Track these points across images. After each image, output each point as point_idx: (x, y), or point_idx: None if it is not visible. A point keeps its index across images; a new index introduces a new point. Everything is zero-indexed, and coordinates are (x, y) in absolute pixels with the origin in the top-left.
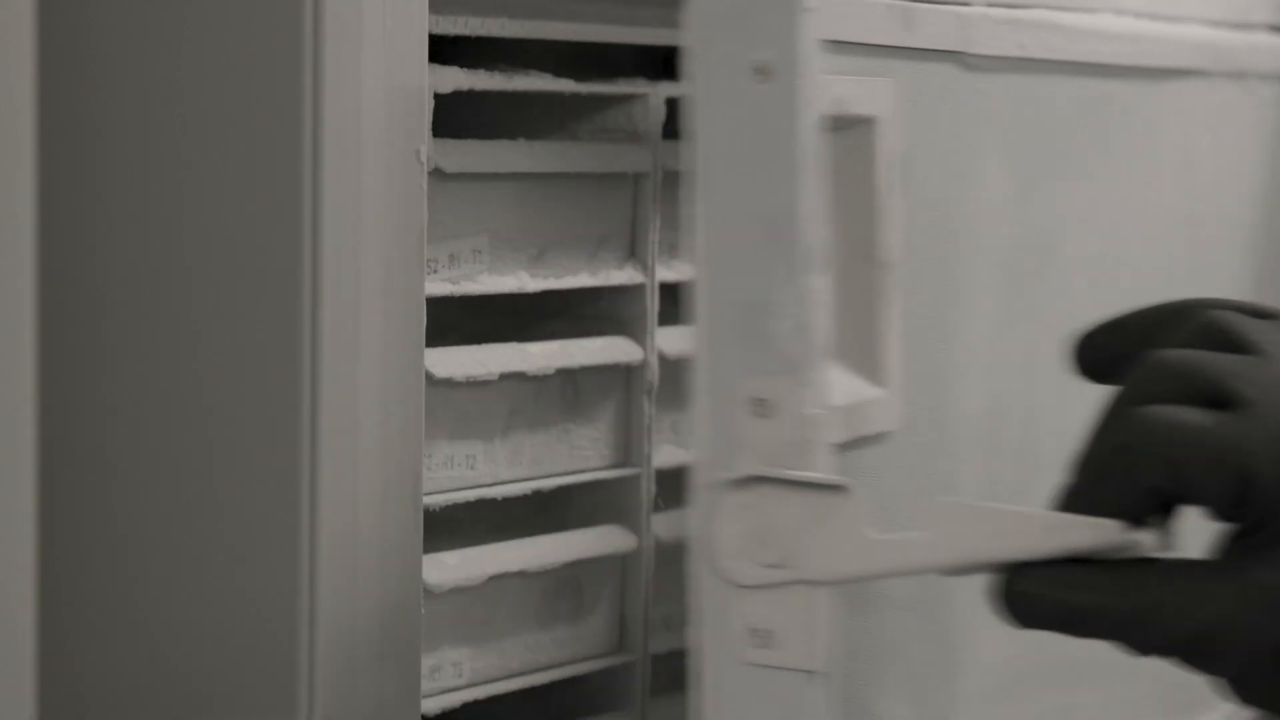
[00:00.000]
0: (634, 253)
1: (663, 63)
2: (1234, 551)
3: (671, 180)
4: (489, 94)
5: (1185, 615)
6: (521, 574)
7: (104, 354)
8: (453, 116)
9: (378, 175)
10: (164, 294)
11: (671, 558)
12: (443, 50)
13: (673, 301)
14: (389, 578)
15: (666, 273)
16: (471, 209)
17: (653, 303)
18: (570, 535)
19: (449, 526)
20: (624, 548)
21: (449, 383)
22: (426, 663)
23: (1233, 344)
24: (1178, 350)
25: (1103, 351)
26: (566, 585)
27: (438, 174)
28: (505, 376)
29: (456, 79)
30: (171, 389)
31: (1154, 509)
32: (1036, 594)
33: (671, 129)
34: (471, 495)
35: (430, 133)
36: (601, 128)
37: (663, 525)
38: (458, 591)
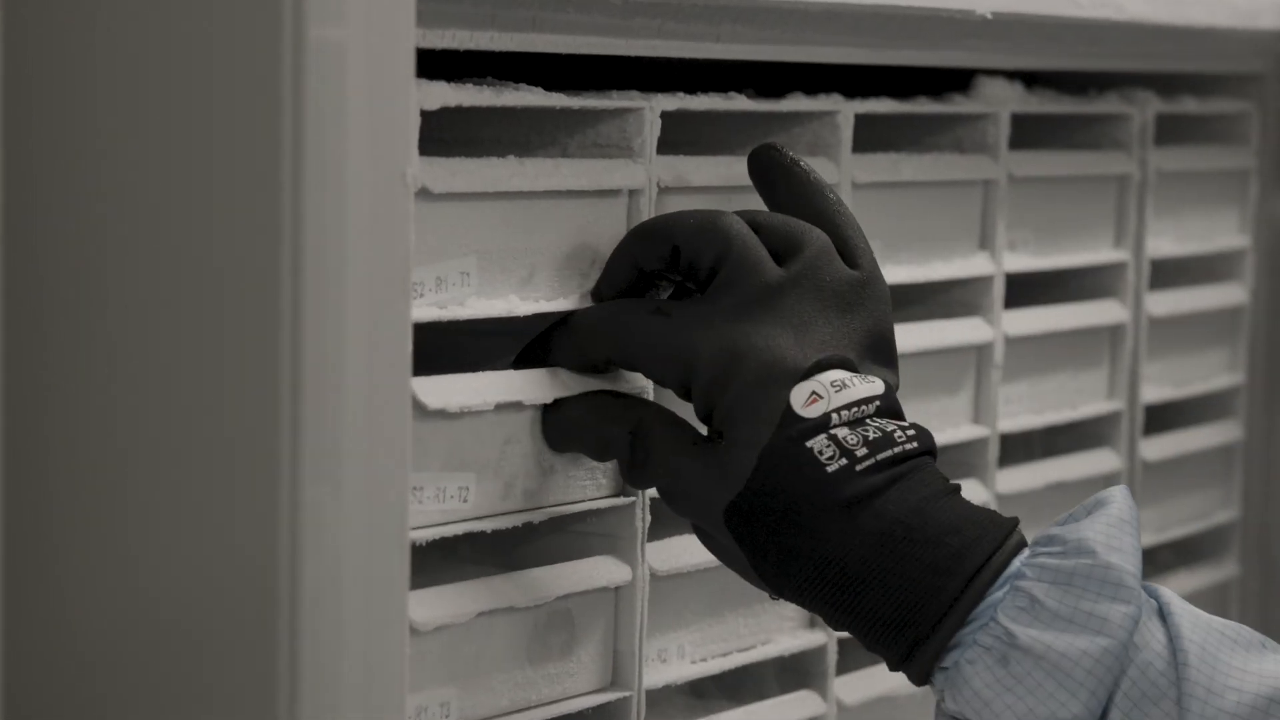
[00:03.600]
0: None
1: (657, 75)
2: (700, 436)
3: (666, 196)
4: (477, 109)
5: (662, 469)
6: (510, 609)
7: (81, 379)
8: (440, 132)
9: (361, 196)
10: (140, 320)
11: (666, 589)
12: (429, 65)
13: None
14: (373, 616)
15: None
16: (459, 229)
17: None
18: (561, 568)
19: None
20: (617, 579)
21: (442, 414)
22: (413, 702)
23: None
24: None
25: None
26: (558, 619)
27: (424, 194)
28: (501, 406)
29: (444, 95)
30: (150, 417)
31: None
32: (576, 420)
33: (667, 144)
34: (460, 529)
35: (416, 151)
36: (594, 143)
37: (657, 555)
38: (445, 629)
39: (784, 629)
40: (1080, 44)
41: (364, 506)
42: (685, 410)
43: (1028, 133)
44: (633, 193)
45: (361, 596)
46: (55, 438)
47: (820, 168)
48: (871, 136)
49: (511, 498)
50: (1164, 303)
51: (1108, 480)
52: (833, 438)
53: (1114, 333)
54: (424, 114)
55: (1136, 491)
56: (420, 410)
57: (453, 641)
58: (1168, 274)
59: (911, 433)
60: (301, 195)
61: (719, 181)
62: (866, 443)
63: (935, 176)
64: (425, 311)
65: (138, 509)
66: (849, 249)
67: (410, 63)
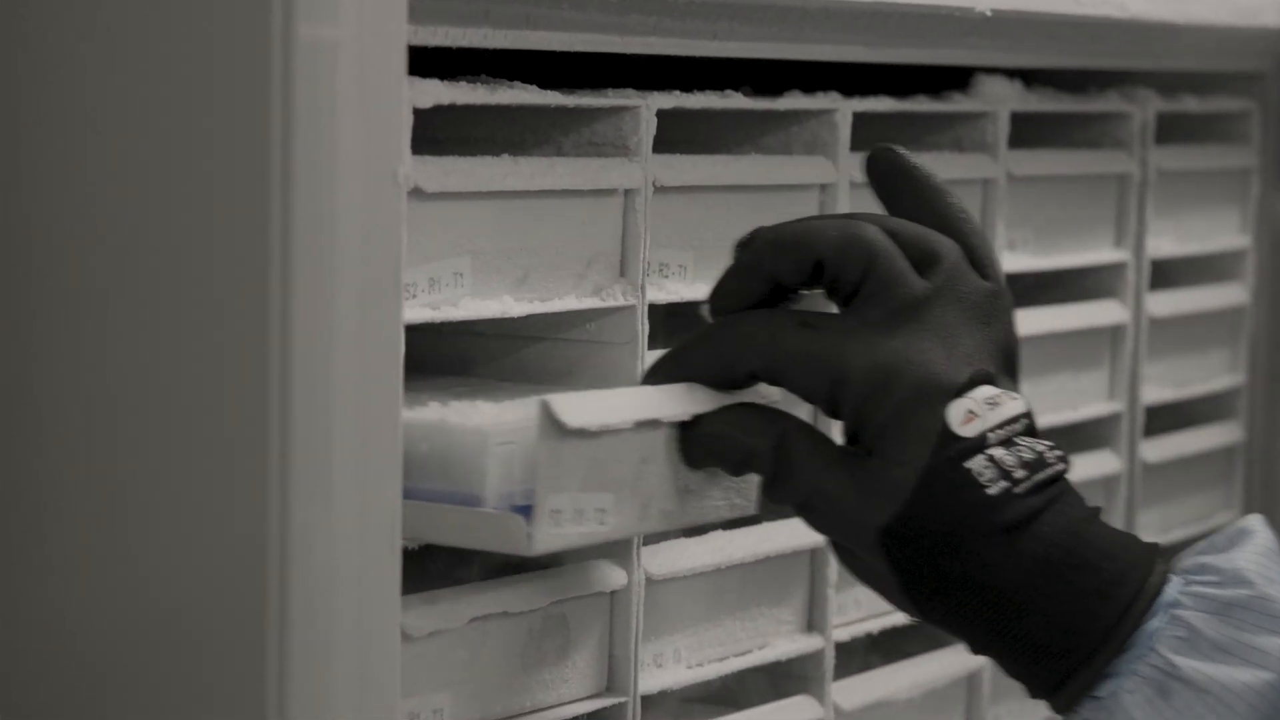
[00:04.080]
0: (624, 273)
1: (653, 73)
2: (848, 451)
3: (661, 195)
4: (471, 108)
5: (806, 485)
6: (505, 614)
7: (69, 380)
8: (432, 131)
9: (352, 196)
10: (128, 322)
11: (662, 593)
12: (422, 62)
13: (664, 323)
14: (364, 622)
15: (658, 294)
16: (452, 229)
17: (643, 325)
18: (556, 572)
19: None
20: (613, 584)
21: (582, 433)
22: (406, 708)
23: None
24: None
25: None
26: (552, 624)
27: (416, 193)
28: (639, 424)
29: (437, 92)
30: (137, 422)
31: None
32: (717, 434)
33: (663, 142)
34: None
35: (409, 149)
36: (589, 141)
37: (653, 559)
38: (438, 635)
39: (780, 633)
40: (1080, 42)
41: (355, 511)
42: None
43: (1027, 131)
44: (628, 192)
45: (353, 602)
46: (44, 442)
47: (817, 167)
48: (870, 135)
49: (648, 519)
50: (1165, 303)
51: (1108, 481)
52: (990, 458)
53: (1114, 333)
54: (417, 112)
55: (1136, 493)
56: (559, 429)
57: (446, 647)
58: (1168, 274)
59: (1059, 453)
60: (291, 194)
61: (716, 181)
62: (1023, 464)
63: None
64: (418, 313)
65: (125, 511)
66: (978, 258)
67: (402, 60)
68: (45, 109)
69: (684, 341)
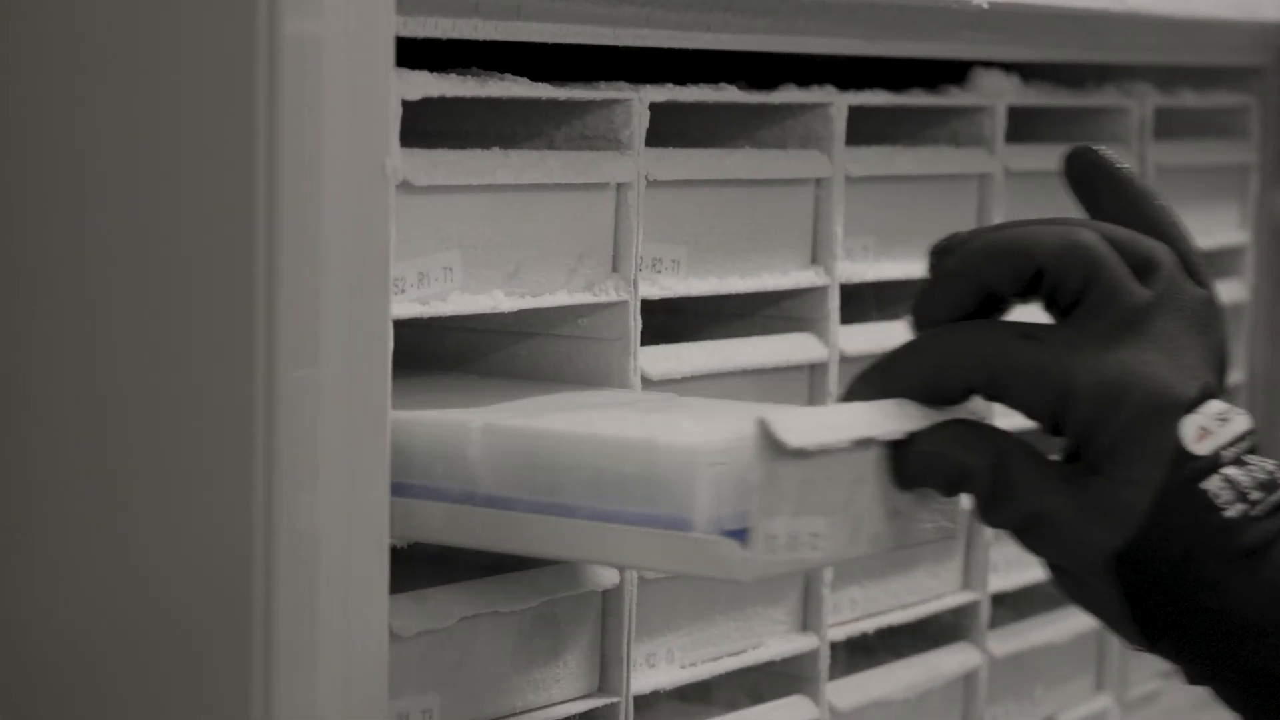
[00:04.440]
0: (616, 268)
1: (645, 66)
2: (1072, 470)
3: (654, 189)
4: (461, 100)
5: (1028, 505)
6: (495, 613)
7: (52, 375)
8: (422, 124)
9: (339, 189)
10: (112, 317)
11: (655, 591)
12: (411, 54)
13: (657, 320)
14: (351, 621)
15: (651, 289)
16: (442, 223)
17: (635, 321)
18: (547, 570)
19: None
20: (605, 582)
21: (800, 453)
22: (394, 709)
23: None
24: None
25: None
26: (543, 623)
27: (405, 186)
28: (855, 443)
29: (426, 85)
30: (121, 417)
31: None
32: (934, 451)
33: (655, 136)
34: None
35: (398, 142)
36: (581, 135)
37: None
38: (427, 634)
39: (775, 633)
40: (1078, 35)
41: (342, 509)
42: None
43: (1025, 126)
44: (620, 186)
45: (339, 601)
46: (29, 437)
47: (812, 161)
48: (865, 130)
49: (858, 543)
50: None
51: None
52: (1226, 479)
53: None
54: (406, 105)
55: None
56: (777, 449)
57: (435, 647)
58: None
59: None
60: (277, 188)
61: (710, 175)
62: (1258, 484)
63: (930, 170)
64: (406, 308)
65: (111, 508)
66: (1190, 263)
67: (389, 52)
68: (31, 105)
69: (891, 354)
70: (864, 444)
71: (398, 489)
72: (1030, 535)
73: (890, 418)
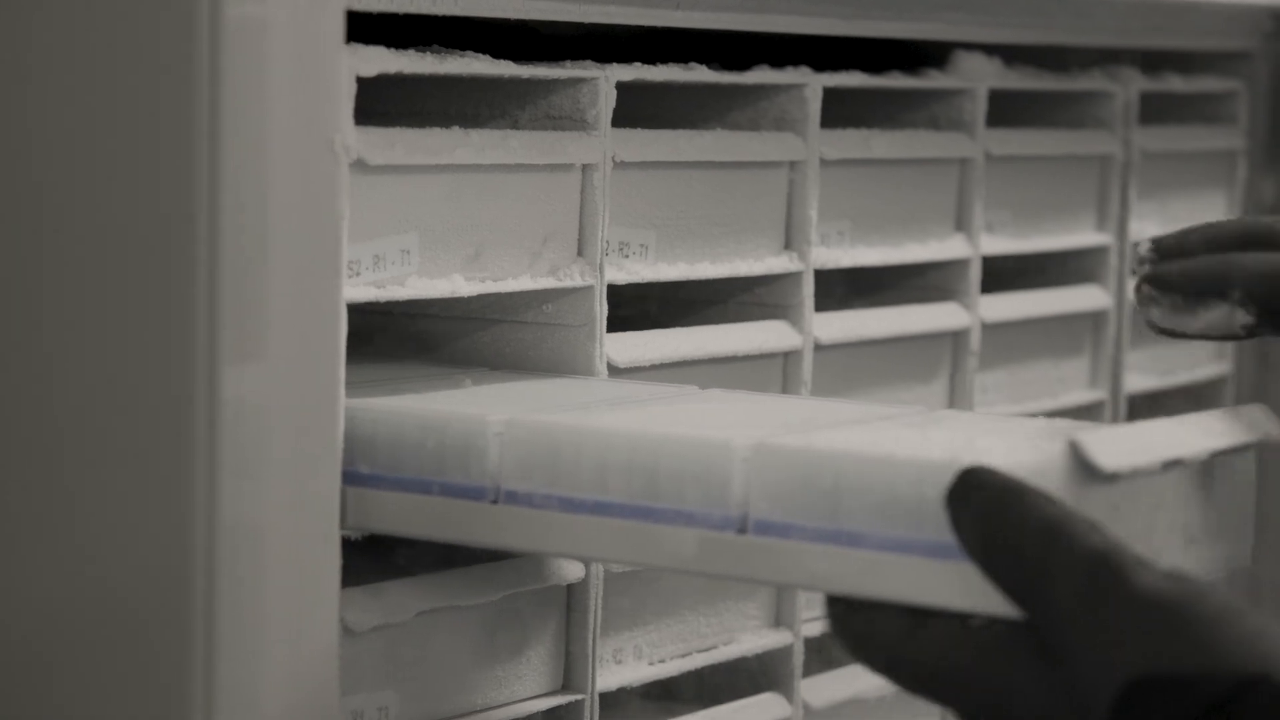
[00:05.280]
0: (582, 252)
1: (614, 45)
2: None
3: (622, 171)
4: (423, 80)
5: None
6: (454, 607)
7: None
8: (383, 104)
9: (285, 167)
10: (50, 303)
11: (622, 586)
12: (368, 29)
13: (623, 306)
14: (300, 615)
15: (618, 274)
16: (399, 204)
17: (601, 307)
18: (509, 564)
19: None
20: (569, 576)
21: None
22: (349, 706)
23: None
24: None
25: None
26: (506, 618)
27: (360, 165)
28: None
29: (382, 61)
30: (62, 403)
31: None
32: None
33: (622, 116)
34: None
35: (351, 120)
36: (547, 115)
37: None
38: (382, 629)
39: (748, 629)
40: (1062, 18)
41: (289, 499)
42: None
43: (1007, 110)
44: (586, 167)
45: (286, 594)
46: None
47: (786, 144)
48: (842, 113)
49: None
50: None
51: None
52: None
53: (1096, 319)
54: (366, 85)
55: None
56: (1089, 472)
57: (391, 642)
58: None
59: None
60: (219, 166)
61: (679, 157)
62: None
63: (909, 154)
64: (361, 291)
65: (45, 498)
66: None
67: (339, 25)
68: None
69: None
70: (1170, 465)
71: (447, 488)
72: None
73: (1196, 435)
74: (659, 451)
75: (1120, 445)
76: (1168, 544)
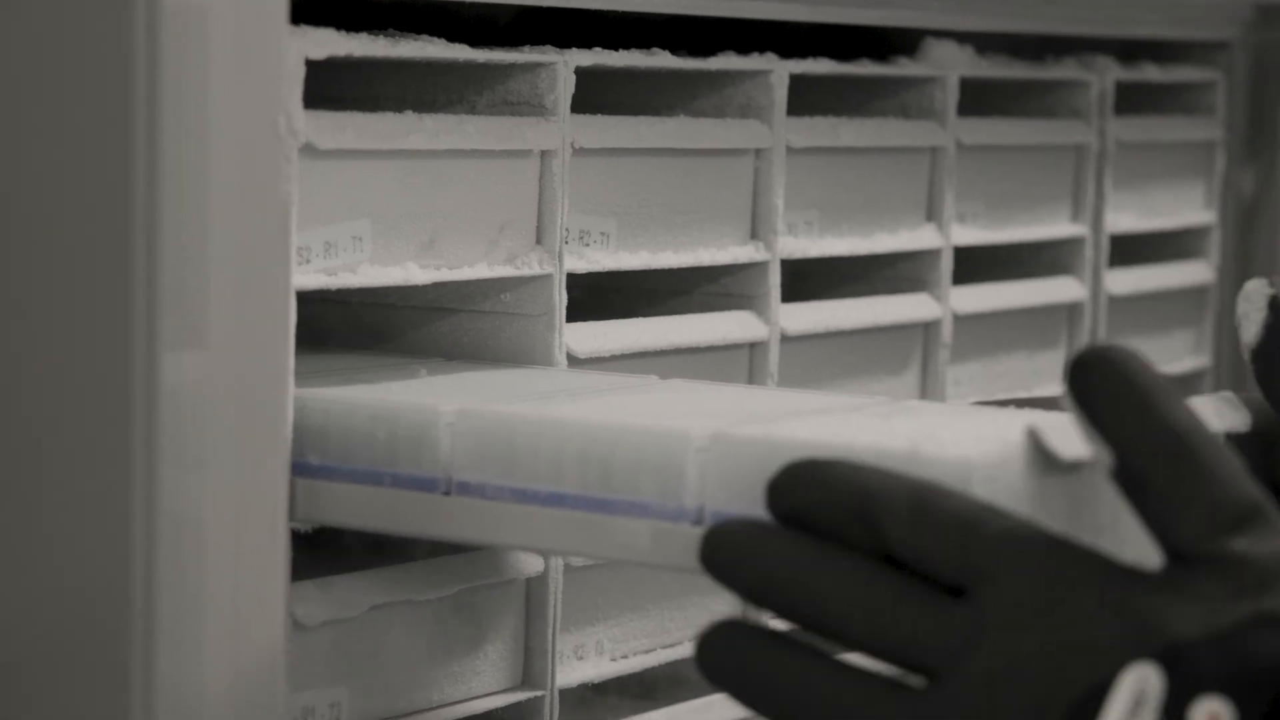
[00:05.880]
0: (540, 240)
1: (575, 29)
2: None
3: (582, 158)
4: (378, 64)
5: None
6: (409, 602)
7: None
8: (338, 89)
9: (227, 151)
10: None
11: (583, 580)
12: (318, 11)
13: (583, 295)
14: (244, 609)
15: (578, 263)
16: (351, 190)
17: (560, 296)
18: (466, 556)
19: None
20: (528, 569)
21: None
22: (298, 702)
23: None
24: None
25: None
26: (462, 612)
27: (310, 150)
28: None
29: (332, 43)
30: None
31: None
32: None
33: (582, 101)
34: None
35: (300, 103)
36: (504, 100)
37: None
38: (333, 624)
39: None
40: (1036, 5)
41: (233, 491)
42: None
43: (980, 100)
44: (545, 154)
45: (229, 588)
46: None
47: (752, 131)
48: (809, 101)
49: None
50: (1125, 281)
51: None
52: None
53: (1071, 312)
54: (318, 69)
55: None
56: (1049, 461)
57: (343, 637)
58: (1129, 250)
59: None
60: (157, 149)
61: (640, 144)
62: None
63: (878, 142)
64: (312, 279)
65: None
66: None
67: (282, 6)
68: None
69: None
70: None
71: (397, 480)
72: None
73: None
74: (614, 442)
75: (1077, 431)
76: (1135, 537)
